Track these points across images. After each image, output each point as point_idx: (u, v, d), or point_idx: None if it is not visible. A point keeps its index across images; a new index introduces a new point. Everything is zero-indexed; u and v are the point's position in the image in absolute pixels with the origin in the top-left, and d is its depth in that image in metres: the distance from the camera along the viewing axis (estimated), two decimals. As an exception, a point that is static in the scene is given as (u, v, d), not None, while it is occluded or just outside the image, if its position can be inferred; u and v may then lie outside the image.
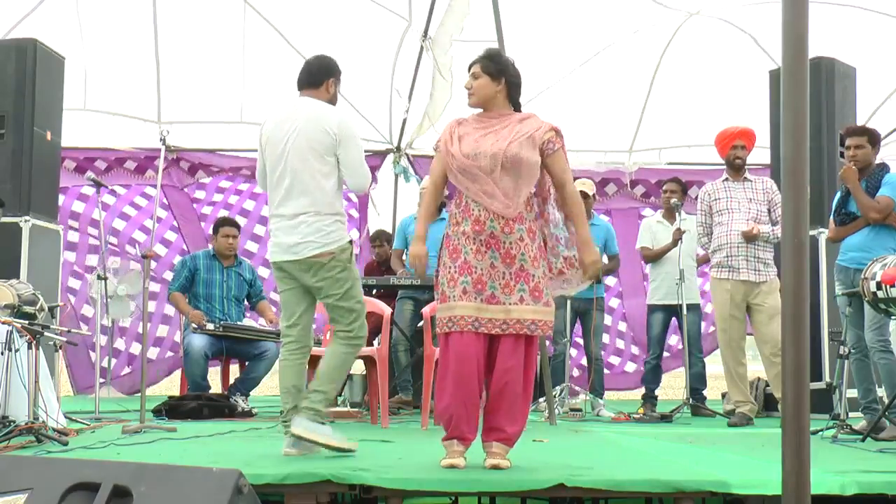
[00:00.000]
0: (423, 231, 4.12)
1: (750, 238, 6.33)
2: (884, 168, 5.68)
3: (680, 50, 8.76)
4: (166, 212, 8.91)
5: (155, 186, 8.69)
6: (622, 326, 9.51)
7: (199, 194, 9.09)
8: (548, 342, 7.45)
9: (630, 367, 9.48)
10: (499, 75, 4.01)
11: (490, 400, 3.94)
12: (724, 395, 7.60)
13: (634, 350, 9.44)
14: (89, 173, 6.81)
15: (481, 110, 4.06)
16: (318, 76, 4.47)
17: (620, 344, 9.53)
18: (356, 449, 4.24)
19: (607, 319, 8.83)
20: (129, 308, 7.10)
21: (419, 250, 4.06)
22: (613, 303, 9.41)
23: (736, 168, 6.51)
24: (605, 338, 8.62)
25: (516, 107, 4.08)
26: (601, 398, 7.25)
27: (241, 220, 8.29)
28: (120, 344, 8.73)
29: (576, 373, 8.57)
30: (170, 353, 8.93)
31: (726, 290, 6.39)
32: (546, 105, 8.81)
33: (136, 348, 8.60)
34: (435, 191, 4.16)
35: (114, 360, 8.76)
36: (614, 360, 9.50)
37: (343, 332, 4.39)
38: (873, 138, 5.71)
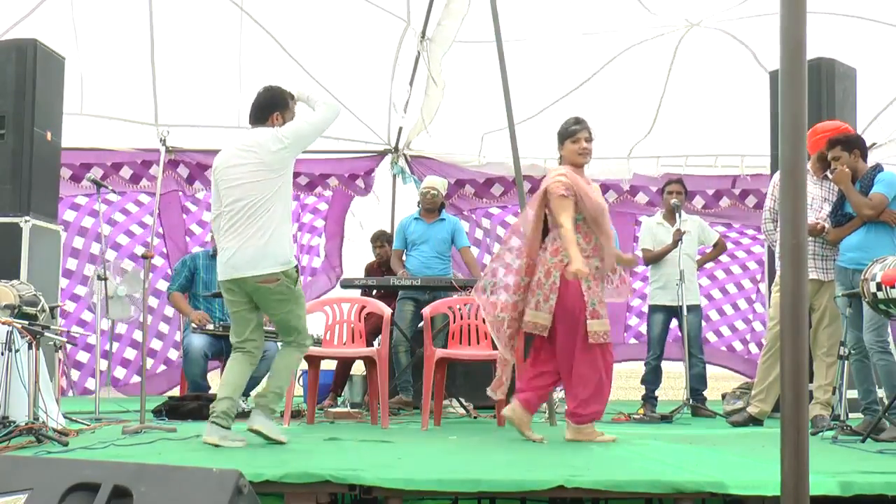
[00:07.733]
0: None
1: (813, 233, 5.84)
2: (877, 168, 5.75)
3: (681, 62, 8.74)
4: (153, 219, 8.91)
5: (150, 194, 8.72)
6: None
7: (193, 208, 9.12)
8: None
9: None
10: None
11: None
12: (724, 396, 7.59)
13: None
14: (90, 174, 6.78)
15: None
16: (264, 112, 4.92)
17: None
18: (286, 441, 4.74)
19: None
20: (128, 309, 7.08)
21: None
22: None
23: (822, 169, 6.11)
24: None
25: None
26: None
27: None
28: (129, 353, 8.76)
29: None
30: (163, 367, 8.94)
31: None
32: (550, 114, 8.82)
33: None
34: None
35: (123, 370, 8.77)
36: None
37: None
38: (847, 145, 5.76)
